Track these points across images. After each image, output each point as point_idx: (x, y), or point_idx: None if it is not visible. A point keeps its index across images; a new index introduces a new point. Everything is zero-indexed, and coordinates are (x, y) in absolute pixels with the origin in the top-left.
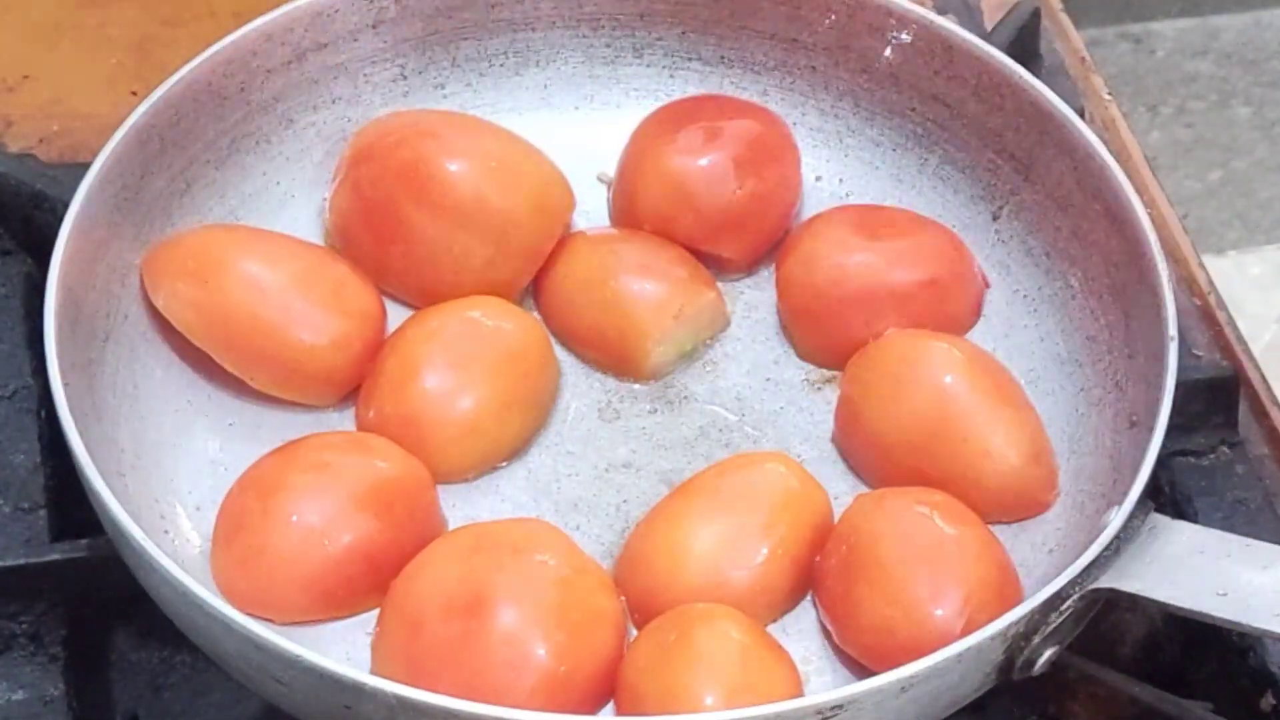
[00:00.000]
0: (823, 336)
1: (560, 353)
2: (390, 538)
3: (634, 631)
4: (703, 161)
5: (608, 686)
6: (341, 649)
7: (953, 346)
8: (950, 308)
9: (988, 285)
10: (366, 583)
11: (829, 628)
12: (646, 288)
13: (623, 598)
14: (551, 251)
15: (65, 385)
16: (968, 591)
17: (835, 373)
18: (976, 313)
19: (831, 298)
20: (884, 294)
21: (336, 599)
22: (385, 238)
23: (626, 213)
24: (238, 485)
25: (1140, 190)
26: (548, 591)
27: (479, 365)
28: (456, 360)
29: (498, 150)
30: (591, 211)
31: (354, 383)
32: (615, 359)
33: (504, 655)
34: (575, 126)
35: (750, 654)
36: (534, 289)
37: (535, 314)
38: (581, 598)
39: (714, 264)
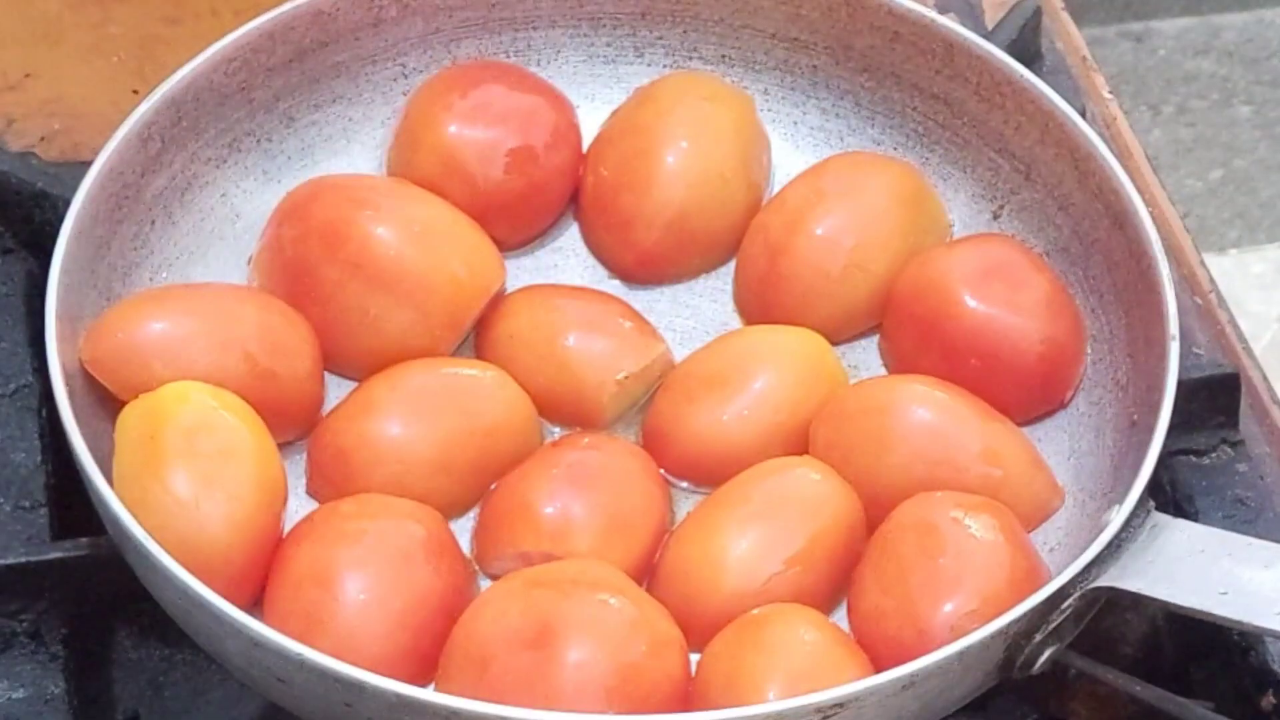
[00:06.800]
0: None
1: None
2: (446, 583)
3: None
4: (479, 136)
5: (677, 709)
6: None
7: (911, 382)
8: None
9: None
10: (445, 633)
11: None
12: (595, 347)
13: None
14: (491, 310)
15: (66, 383)
16: (972, 590)
17: None
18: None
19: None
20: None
21: (431, 656)
22: (303, 298)
23: (400, 171)
24: (287, 583)
25: (1141, 189)
26: (614, 617)
27: (433, 423)
28: (411, 411)
29: (423, 216)
30: None
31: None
32: (568, 416)
33: (578, 682)
34: None
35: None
36: (476, 350)
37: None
38: (648, 623)
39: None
